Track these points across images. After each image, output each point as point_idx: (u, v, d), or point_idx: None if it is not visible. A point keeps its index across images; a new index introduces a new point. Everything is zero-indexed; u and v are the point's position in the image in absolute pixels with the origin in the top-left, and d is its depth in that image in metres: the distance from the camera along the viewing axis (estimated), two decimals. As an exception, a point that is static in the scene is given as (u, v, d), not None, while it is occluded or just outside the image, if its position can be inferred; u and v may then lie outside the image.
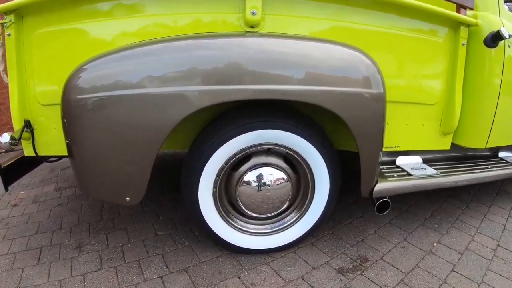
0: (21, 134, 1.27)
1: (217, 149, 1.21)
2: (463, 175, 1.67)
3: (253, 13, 1.22)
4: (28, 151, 1.35)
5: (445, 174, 1.63)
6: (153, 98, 1.08)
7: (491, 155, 1.98)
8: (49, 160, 1.48)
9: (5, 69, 1.39)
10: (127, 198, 1.22)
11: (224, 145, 1.22)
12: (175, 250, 1.54)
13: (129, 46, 1.18)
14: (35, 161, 1.56)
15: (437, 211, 1.93)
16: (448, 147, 1.72)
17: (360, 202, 1.99)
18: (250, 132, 1.22)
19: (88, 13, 1.26)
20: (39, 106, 1.32)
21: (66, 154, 1.30)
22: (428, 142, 1.66)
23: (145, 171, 1.19)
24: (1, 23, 1.27)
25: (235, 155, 1.26)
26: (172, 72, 1.08)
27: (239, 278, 1.34)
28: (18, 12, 1.27)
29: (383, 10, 1.41)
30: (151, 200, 2.08)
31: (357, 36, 1.38)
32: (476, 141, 1.71)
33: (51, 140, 1.36)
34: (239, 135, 1.21)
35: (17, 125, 1.31)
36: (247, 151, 1.28)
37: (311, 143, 1.28)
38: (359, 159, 1.34)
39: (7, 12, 1.26)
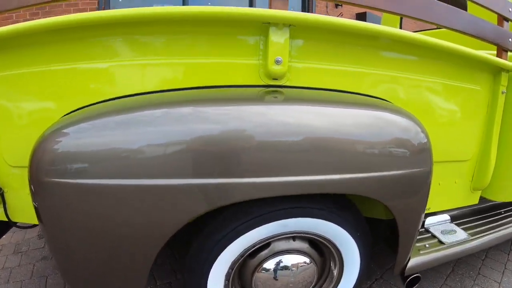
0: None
1: (229, 244, 0.92)
2: (494, 235, 1.49)
3: (278, 62, 0.92)
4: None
5: (476, 236, 1.44)
6: (154, 192, 0.78)
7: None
8: (18, 226, 1.17)
9: None
10: None
11: (240, 237, 0.93)
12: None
13: (117, 107, 0.85)
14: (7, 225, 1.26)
15: (458, 264, 1.77)
16: (476, 201, 1.54)
17: (378, 260, 1.77)
18: (271, 223, 0.94)
19: (69, 52, 0.90)
20: (8, 167, 1.02)
21: None
22: (459, 200, 1.47)
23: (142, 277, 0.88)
24: None
25: (253, 246, 0.98)
26: (178, 155, 0.78)
27: None
28: None
29: (416, 54, 1.17)
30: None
31: (387, 85, 1.12)
32: (508, 195, 1.54)
33: (27, 206, 1.04)
34: (256, 227, 0.92)
35: None
36: (267, 241, 1.00)
37: (344, 228, 1.02)
38: (397, 240, 1.11)
39: None
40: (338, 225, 1.00)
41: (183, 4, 4.68)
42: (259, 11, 0.88)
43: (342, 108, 0.93)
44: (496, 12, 1.31)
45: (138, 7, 0.85)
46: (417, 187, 1.02)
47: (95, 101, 0.92)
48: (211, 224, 0.95)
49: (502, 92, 1.36)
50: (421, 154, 0.99)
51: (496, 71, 1.33)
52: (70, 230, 0.82)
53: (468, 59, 1.23)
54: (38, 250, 1.89)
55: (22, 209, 1.07)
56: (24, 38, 0.88)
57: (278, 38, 0.91)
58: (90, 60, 0.92)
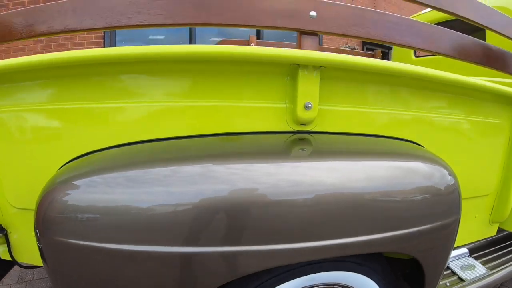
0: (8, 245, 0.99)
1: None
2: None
3: (308, 107, 0.86)
4: (3, 255, 1.02)
5: (495, 270, 1.41)
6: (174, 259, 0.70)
7: None
8: (23, 266, 1.11)
9: None
10: None
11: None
12: None
13: (130, 158, 0.78)
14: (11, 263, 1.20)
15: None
16: (495, 233, 1.51)
17: None
18: (297, 279, 0.87)
19: (78, 90, 0.83)
20: (11, 208, 0.95)
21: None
22: (479, 234, 1.43)
23: None
24: None
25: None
26: (200, 219, 0.71)
27: None
28: None
29: (443, 91, 1.12)
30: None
31: (411, 126, 1.06)
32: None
33: (31, 246, 0.97)
34: (282, 283, 0.86)
35: None
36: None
37: (372, 278, 0.97)
38: (419, 278, 1.06)
39: None
40: (367, 275, 0.95)
41: (190, 37, 4.57)
42: (288, 51, 0.81)
43: (374, 160, 0.86)
44: None
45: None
46: (447, 236, 0.97)
47: (105, 145, 0.85)
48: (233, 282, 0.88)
49: (524, 125, 1.32)
50: (453, 204, 0.93)
51: (519, 103, 1.29)
52: (75, 280, 0.74)
53: (493, 93, 1.20)
54: (43, 280, 1.83)
55: (26, 249, 1.01)
56: (31, 72, 0.81)
57: (307, 81, 0.85)
58: (101, 101, 0.84)
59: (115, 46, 3.39)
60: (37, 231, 0.73)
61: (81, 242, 0.68)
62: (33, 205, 0.76)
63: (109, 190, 0.71)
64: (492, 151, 1.31)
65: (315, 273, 0.87)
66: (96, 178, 0.72)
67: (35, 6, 0.91)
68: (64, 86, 0.83)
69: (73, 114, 0.84)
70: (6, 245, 1.01)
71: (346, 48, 5.45)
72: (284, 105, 0.88)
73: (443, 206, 0.92)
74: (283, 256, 0.74)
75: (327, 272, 0.89)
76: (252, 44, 2.56)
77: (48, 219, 0.70)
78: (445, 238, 0.97)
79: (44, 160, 0.87)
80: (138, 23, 0.88)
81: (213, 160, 0.76)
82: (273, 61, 0.84)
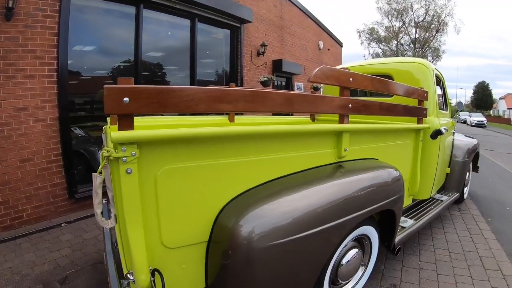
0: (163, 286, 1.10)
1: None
2: (426, 217, 2.67)
3: (345, 150, 1.80)
4: None
5: (417, 221, 2.59)
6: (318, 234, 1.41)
7: (428, 199, 3.11)
8: None
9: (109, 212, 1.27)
10: None
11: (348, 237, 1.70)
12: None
13: (288, 185, 1.45)
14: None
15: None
16: (411, 202, 2.73)
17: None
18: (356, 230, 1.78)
19: (217, 152, 1.25)
20: (166, 250, 1.17)
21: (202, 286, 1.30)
22: (406, 203, 2.62)
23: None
24: (116, 157, 1.00)
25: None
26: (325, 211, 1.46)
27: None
28: (140, 144, 1.04)
29: (392, 134, 2.25)
30: None
31: (374, 152, 2.13)
32: (426, 194, 2.77)
33: (179, 279, 1.26)
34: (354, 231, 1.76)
35: (141, 274, 1.10)
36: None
37: (374, 228, 1.97)
38: (394, 228, 2.09)
39: (125, 143, 1.00)
40: (373, 226, 1.94)
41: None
42: (335, 127, 1.73)
43: (369, 171, 1.86)
44: (418, 99, 2.49)
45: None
46: (401, 199, 2.03)
47: (258, 183, 1.41)
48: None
49: (421, 141, 2.55)
50: (401, 185, 2.02)
51: (418, 130, 2.51)
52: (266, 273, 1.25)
53: (404, 130, 2.37)
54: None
55: (176, 283, 1.24)
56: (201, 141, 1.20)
57: (345, 138, 1.78)
58: (249, 155, 1.38)
59: (68, 78, 3.55)
60: (230, 251, 1.16)
61: (281, 240, 1.23)
62: (184, 242, 1.15)
63: (277, 206, 1.35)
64: (406, 156, 2.50)
65: (360, 227, 1.80)
66: (266, 204, 1.32)
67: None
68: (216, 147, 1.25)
69: (224, 167, 1.26)
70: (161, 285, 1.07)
71: (265, 79, 6.57)
72: (333, 150, 1.79)
73: (398, 186, 1.99)
74: (352, 219, 1.63)
75: (363, 226, 1.83)
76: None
77: (249, 234, 1.17)
78: (400, 200, 2.04)
79: (204, 202, 1.19)
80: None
81: (312, 184, 1.58)
82: (329, 131, 1.75)
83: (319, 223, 1.42)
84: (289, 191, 1.44)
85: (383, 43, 33.25)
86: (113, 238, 1.72)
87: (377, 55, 33.23)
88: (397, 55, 31.88)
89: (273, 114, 4.38)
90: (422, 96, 2.53)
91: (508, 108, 45.10)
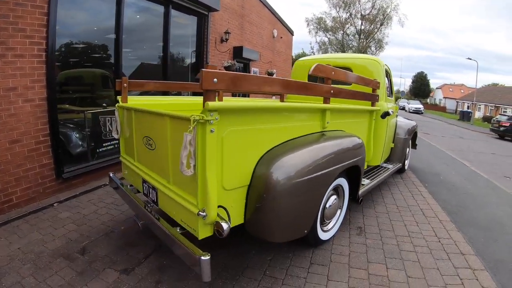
0: (229, 218, 1.54)
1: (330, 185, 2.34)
2: (378, 178, 3.52)
3: (327, 123, 2.44)
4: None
5: (372, 179, 3.42)
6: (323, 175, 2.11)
7: (378, 166, 3.97)
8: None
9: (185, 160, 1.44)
10: (305, 231, 2.14)
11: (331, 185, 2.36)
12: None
13: (296, 144, 2.05)
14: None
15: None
16: (366, 167, 3.54)
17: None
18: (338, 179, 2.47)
19: (263, 119, 1.80)
20: (224, 192, 1.59)
21: (241, 221, 1.78)
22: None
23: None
24: (204, 120, 1.31)
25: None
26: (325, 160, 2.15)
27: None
28: (221, 111, 1.41)
29: (355, 113, 2.97)
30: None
31: (343, 125, 2.81)
32: (377, 161, 3.62)
33: (236, 211, 1.71)
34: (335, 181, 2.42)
35: (213, 210, 1.46)
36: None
37: (346, 179, 2.69)
38: (358, 180, 2.83)
39: (211, 110, 1.36)
40: (345, 178, 2.66)
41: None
42: (322, 106, 2.37)
43: (344, 138, 2.56)
44: (372, 88, 3.24)
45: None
46: (363, 159, 2.78)
47: (278, 143, 2.03)
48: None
49: (374, 120, 3.33)
50: (363, 149, 2.77)
51: (371, 111, 3.28)
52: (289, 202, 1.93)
53: (363, 111, 3.13)
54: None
55: (232, 215, 1.65)
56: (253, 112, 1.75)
57: (327, 114, 2.43)
58: (274, 123, 1.94)
59: (55, 58, 3.69)
60: (270, 180, 1.83)
61: (296, 180, 1.91)
62: (235, 185, 1.68)
63: (292, 158, 2.00)
64: (364, 131, 3.29)
65: (338, 178, 2.49)
66: (290, 154, 1.97)
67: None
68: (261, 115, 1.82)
69: (262, 131, 1.81)
70: (227, 219, 1.46)
71: (229, 64, 7.07)
72: (320, 122, 2.43)
73: (362, 149, 2.75)
74: (336, 170, 2.31)
75: (339, 178, 2.53)
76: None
77: (276, 177, 1.84)
78: (363, 160, 2.79)
79: (247, 156, 1.73)
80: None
81: (310, 144, 2.22)
82: (316, 109, 2.38)
83: (318, 170, 2.10)
84: (297, 149, 2.05)
85: (329, 33, 35.19)
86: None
87: (323, 44, 35.14)
88: (342, 45, 34.17)
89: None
90: (375, 85, 3.29)
91: (444, 97, 49.09)
